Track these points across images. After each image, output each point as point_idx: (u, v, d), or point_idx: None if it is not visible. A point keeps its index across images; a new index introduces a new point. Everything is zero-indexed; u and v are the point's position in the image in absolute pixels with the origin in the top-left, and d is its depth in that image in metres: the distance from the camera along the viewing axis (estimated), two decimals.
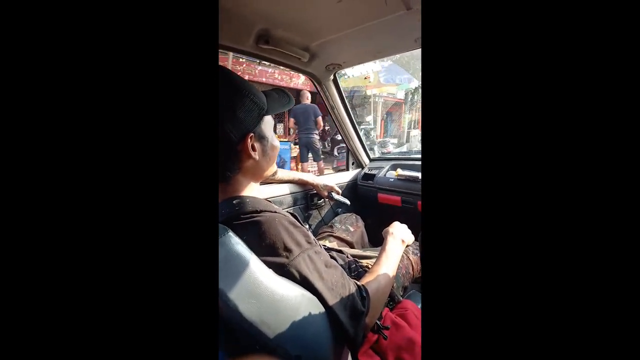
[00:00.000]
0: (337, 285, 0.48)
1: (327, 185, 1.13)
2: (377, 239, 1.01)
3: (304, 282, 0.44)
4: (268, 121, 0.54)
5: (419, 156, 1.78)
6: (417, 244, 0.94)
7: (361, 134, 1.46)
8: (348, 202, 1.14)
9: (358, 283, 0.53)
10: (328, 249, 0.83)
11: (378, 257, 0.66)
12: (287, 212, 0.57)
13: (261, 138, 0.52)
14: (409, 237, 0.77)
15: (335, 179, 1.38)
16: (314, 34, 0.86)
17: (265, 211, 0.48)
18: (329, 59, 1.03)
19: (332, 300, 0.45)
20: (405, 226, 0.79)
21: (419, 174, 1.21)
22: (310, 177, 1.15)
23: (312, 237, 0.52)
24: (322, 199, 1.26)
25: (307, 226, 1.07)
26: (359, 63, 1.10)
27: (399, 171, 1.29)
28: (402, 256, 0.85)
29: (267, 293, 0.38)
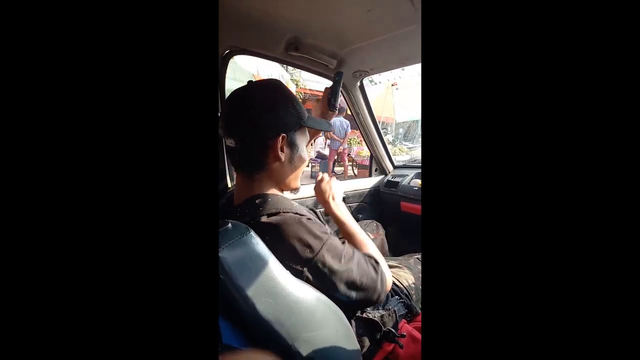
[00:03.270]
0: (354, 259, 0.50)
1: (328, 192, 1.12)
2: (398, 248, 1.00)
3: (330, 271, 0.46)
4: (303, 134, 0.57)
5: None
6: None
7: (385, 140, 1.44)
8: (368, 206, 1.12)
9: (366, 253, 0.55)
10: (342, 242, 0.83)
11: (348, 233, 0.63)
12: (306, 208, 0.58)
13: (292, 144, 0.55)
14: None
15: (357, 185, 1.37)
16: (342, 41, 0.87)
17: (287, 212, 0.50)
18: (357, 66, 1.04)
19: (355, 271, 0.48)
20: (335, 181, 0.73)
21: None
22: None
23: (325, 226, 0.53)
24: (345, 203, 1.26)
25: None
26: (385, 70, 1.10)
27: None
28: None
29: (283, 294, 0.39)
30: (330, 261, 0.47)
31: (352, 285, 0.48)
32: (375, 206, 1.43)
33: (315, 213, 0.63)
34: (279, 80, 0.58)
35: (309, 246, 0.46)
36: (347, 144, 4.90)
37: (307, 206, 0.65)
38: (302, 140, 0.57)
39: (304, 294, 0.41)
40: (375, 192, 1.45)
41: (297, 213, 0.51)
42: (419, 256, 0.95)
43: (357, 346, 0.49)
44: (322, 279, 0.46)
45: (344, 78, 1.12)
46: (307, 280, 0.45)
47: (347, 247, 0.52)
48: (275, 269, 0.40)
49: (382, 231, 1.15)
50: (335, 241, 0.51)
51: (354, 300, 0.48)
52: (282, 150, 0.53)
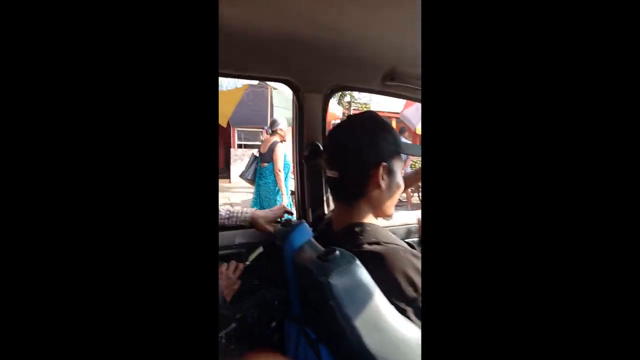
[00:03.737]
0: None
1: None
2: None
3: None
4: (400, 160, 0.58)
5: None
6: None
7: None
8: None
9: None
10: None
11: None
12: (406, 242, 0.56)
13: (391, 172, 0.56)
14: None
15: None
16: None
17: (388, 243, 0.49)
18: None
19: None
20: None
21: None
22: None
23: None
24: None
25: None
26: None
27: None
28: None
29: (390, 329, 0.38)
30: None
31: None
32: None
33: (414, 247, 0.60)
34: (375, 112, 0.62)
35: (413, 284, 0.44)
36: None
37: (406, 241, 0.63)
38: (398, 166, 0.58)
39: (409, 330, 0.39)
40: None
41: (397, 244, 0.50)
42: None
43: None
44: None
45: None
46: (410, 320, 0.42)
47: None
48: (382, 302, 0.39)
49: None
50: None
51: None
52: (382, 179, 0.54)
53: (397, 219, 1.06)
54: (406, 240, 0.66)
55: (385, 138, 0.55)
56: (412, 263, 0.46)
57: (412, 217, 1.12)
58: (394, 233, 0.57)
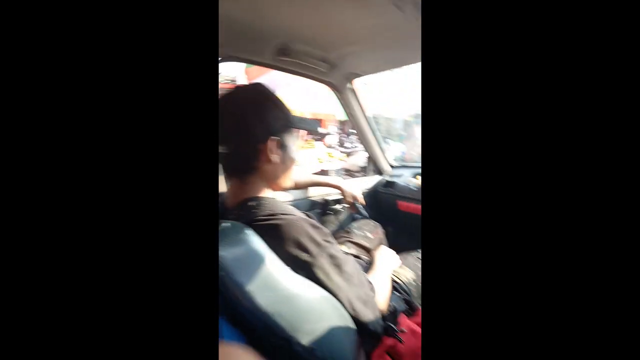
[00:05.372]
0: (354, 278, 0.50)
1: (353, 194, 1.14)
2: (396, 246, 1.00)
3: (327, 278, 0.47)
4: (292, 135, 0.59)
5: None
6: None
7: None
8: (367, 216, 1.14)
9: (368, 278, 0.56)
10: (345, 255, 0.85)
11: (373, 266, 0.72)
12: (304, 213, 0.59)
13: (283, 146, 0.56)
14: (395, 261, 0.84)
15: (358, 185, 1.38)
16: (332, 46, 0.89)
17: (284, 214, 0.51)
18: (348, 69, 1.06)
19: (350, 292, 0.48)
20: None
21: None
22: (339, 181, 1.16)
23: (330, 236, 0.54)
24: (340, 205, 1.27)
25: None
26: (377, 72, 1.12)
27: (420, 178, 1.28)
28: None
29: (283, 287, 0.40)
30: (328, 269, 0.47)
31: (346, 301, 0.48)
32: (373, 206, 1.44)
33: (312, 218, 0.63)
34: (263, 85, 0.59)
35: (307, 250, 0.47)
36: None
37: (304, 212, 0.66)
38: (292, 141, 0.59)
39: (304, 287, 0.42)
40: (373, 192, 1.46)
41: (295, 215, 0.52)
42: (418, 254, 0.95)
43: (357, 339, 0.49)
44: (317, 284, 0.46)
45: (336, 81, 1.14)
46: None
47: (350, 263, 0.52)
48: (275, 264, 0.41)
49: (381, 230, 1.16)
50: (338, 252, 0.51)
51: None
52: (273, 153, 0.54)
53: (299, 192, 1.11)
54: (306, 212, 0.69)
55: (273, 111, 0.55)
56: (306, 231, 0.49)
57: (315, 190, 1.19)
58: (296, 207, 0.59)
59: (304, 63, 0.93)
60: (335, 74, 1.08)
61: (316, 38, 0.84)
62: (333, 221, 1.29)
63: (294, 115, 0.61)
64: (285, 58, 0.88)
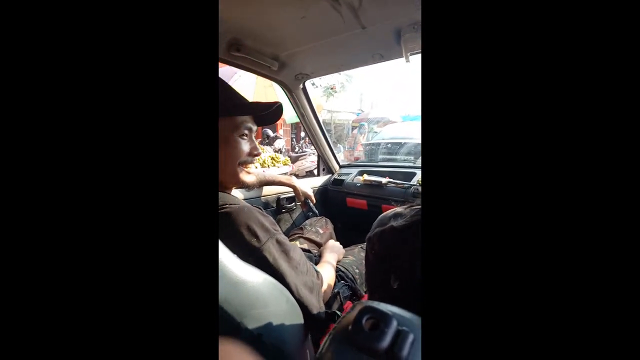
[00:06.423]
0: (301, 265, 0.53)
1: (306, 193, 1.17)
2: (345, 242, 1.07)
3: (275, 263, 0.48)
4: (235, 131, 0.58)
5: (385, 163, 1.88)
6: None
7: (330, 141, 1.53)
8: (317, 214, 1.19)
9: (315, 267, 0.59)
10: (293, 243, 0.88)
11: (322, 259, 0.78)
12: (255, 207, 0.60)
13: (225, 140, 0.56)
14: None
15: (309, 184, 1.42)
16: (281, 45, 0.91)
17: (234, 204, 0.51)
18: (298, 69, 1.09)
19: (296, 278, 0.50)
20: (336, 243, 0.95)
21: (382, 179, 1.29)
22: (292, 180, 1.18)
23: (277, 225, 0.56)
24: (293, 203, 1.30)
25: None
26: (325, 74, 1.17)
27: (365, 176, 1.37)
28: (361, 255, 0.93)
29: (229, 274, 0.41)
30: (276, 255, 0.49)
31: (293, 287, 0.50)
32: (323, 203, 1.49)
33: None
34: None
35: (256, 236, 0.48)
36: None
37: (257, 206, 0.67)
38: (230, 139, 0.56)
39: (249, 274, 0.43)
40: (323, 190, 1.51)
41: (244, 204, 0.53)
42: (363, 245, 1.03)
43: (304, 325, 0.52)
44: (265, 270, 0.47)
45: (287, 80, 1.16)
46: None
47: (297, 251, 0.54)
48: (222, 252, 0.41)
49: (330, 226, 1.22)
50: (286, 240, 0.53)
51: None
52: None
53: (254, 192, 1.11)
54: (258, 207, 0.70)
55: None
56: (255, 217, 0.50)
57: (272, 189, 1.19)
58: (251, 204, 0.60)
59: (255, 60, 0.93)
60: (285, 73, 1.10)
61: (264, 36, 0.85)
62: (287, 219, 1.31)
63: (243, 107, 0.59)
64: (237, 53, 0.87)
